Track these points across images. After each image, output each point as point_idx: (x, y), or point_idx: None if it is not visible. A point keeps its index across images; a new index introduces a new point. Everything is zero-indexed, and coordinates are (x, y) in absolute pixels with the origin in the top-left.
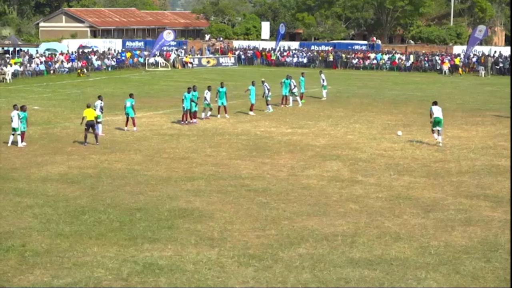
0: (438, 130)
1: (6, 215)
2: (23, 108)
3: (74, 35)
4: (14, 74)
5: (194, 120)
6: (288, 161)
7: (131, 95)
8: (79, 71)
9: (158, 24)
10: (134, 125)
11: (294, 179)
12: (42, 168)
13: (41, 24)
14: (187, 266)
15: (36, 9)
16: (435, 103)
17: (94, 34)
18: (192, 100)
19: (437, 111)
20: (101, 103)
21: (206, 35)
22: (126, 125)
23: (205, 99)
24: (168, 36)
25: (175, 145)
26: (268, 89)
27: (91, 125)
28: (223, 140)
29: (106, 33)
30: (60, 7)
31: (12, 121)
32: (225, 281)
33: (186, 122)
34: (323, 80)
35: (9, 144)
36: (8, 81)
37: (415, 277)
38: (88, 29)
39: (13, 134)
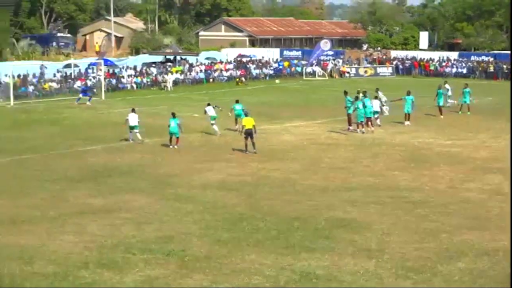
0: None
1: (167, 220)
2: (174, 115)
3: (233, 44)
4: (175, 82)
5: (359, 130)
6: (447, 173)
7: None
8: (237, 79)
9: (316, 34)
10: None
11: (453, 191)
12: (201, 175)
13: (201, 33)
14: (344, 277)
15: (197, 18)
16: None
17: (253, 43)
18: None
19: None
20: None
21: (363, 45)
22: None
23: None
24: (325, 45)
25: (333, 154)
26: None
27: (249, 133)
28: (381, 151)
29: (264, 42)
30: (220, 16)
31: (128, 121)
32: None
33: (351, 129)
34: (449, 89)
35: (130, 140)
36: (169, 88)
37: None
38: (246, 38)
39: (131, 132)
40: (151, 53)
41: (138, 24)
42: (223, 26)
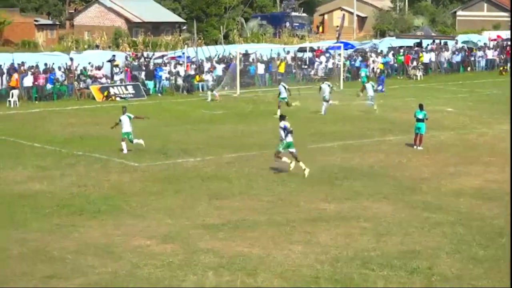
0: None
1: (412, 231)
2: (421, 107)
3: (496, 26)
4: (425, 71)
5: None
6: None
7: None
8: (501, 68)
9: None
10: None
11: None
12: (454, 180)
13: (459, 12)
14: None
15: None
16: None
17: None
18: None
19: None
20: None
21: None
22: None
23: None
24: None
25: None
26: None
27: None
28: None
29: None
30: None
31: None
32: None
33: None
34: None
35: (125, 151)
36: (418, 78)
37: None
38: None
39: (123, 140)
40: (399, 36)
41: (385, 2)
42: (485, 5)
